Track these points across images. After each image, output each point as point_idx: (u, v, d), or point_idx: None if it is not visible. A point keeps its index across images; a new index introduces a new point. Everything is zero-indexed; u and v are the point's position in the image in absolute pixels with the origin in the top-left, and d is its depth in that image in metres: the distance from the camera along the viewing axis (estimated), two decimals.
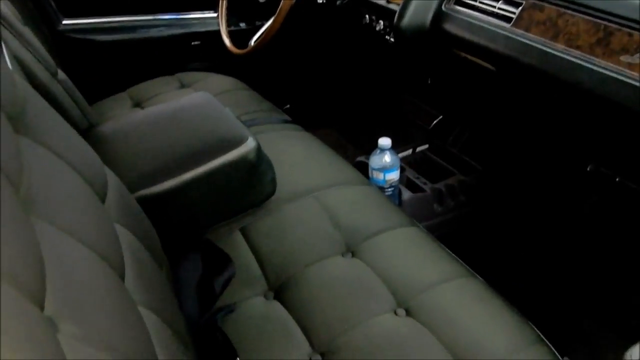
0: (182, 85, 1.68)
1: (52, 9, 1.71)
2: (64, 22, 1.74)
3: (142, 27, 1.85)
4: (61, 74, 1.16)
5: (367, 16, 1.53)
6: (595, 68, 0.95)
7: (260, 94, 1.70)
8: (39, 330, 0.37)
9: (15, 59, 1.01)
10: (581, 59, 0.97)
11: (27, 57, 1.04)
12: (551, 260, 1.38)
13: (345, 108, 2.17)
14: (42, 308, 0.41)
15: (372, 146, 1.45)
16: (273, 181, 1.09)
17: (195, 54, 1.95)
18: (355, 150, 2.07)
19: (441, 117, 1.77)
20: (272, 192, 1.09)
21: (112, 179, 0.81)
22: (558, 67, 1.01)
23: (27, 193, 0.52)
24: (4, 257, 0.39)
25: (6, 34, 1.00)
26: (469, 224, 1.49)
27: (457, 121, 1.71)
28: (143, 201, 0.91)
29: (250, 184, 1.05)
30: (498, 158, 1.54)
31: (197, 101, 1.15)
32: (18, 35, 1.04)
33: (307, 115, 2.19)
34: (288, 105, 2.21)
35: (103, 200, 0.73)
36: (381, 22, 1.48)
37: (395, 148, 1.64)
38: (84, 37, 1.76)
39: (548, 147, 1.36)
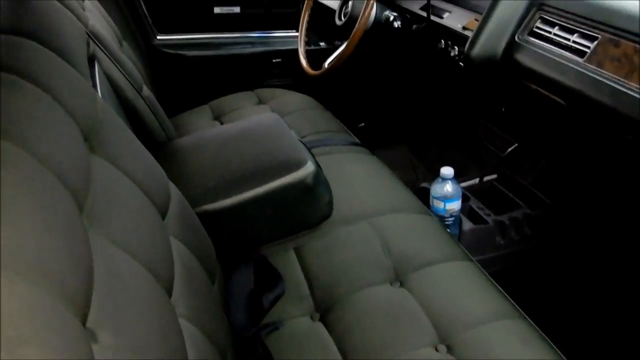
0: (260, 101, 1.76)
1: (149, 26, 1.86)
2: (159, 37, 1.89)
3: (228, 44, 1.97)
4: (146, 91, 1.26)
5: (442, 41, 1.53)
6: None
7: (335, 111, 1.75)
8: (77, 341, 0.43)
9: (106, 75, 1.12)
10: None
11: (116, 74, 1.15)
12: (616, 310, 1.30)
13: (419, 128, 2.17)
14: (84, 321, 0.46)
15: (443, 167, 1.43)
16: (330, 204, 1.12)
17: (275, 70, 2.03)
18: (425, 171, 2.06)
19: (516, 145, 1.72)
20: (328, 215, 1.13)
21: (175, 194, 0.88)
22: (631, 106, 0.97)
23: (90, 210, 0.59)
24: (58, 273, 0.45)
25: (100, 53, 1.11)
26: (532, 260, 1.44)
27: (533, 151, 1.66)
28: (204, 215, 0.98)
29: (307, 206, 1.09)
30: (569, 193, 1.47)
31: (265, 122, 1.21)
32: (110, 54, 1.15)
33: (380, 133, 2.21)
34: (363, 124, 2.24)
35: (164, 216, 0.80)
36: (456, 47, 1.47)
37: (462, 175, 1.63)
38: (174, 52, 1.90)
39: (622, 186, 1.29)
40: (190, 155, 1.14)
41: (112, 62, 1.13)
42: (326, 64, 1.59)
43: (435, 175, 1.52)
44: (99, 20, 1.28)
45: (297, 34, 1.92)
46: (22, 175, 0.50)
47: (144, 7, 1.81)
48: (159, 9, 1.85)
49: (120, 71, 1.15)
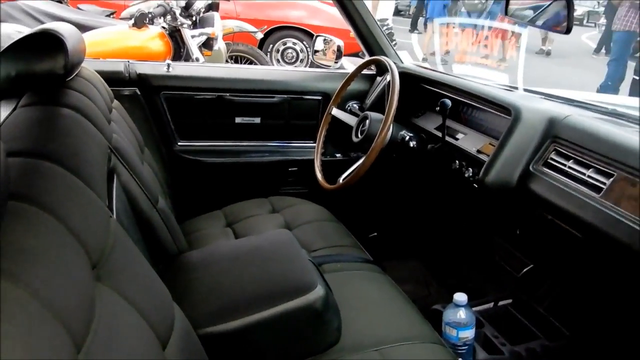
0: (274, 210, 1.77)
1: (171, 132, 1.92)
2: (180, 143, 1.94)
3: (246, 151, 2.01)
4: (161, 202, 1.28)
5: (457, 162, 1.55)
6: None
7: (348, 221, 1.74)
8: None
9: (123, 189, 1.13)
10: None
11: (134, 186, 1.17)
12: None
13: (432, 243, 2.15)
14: None
15: (457, 283, 1.37)
16: (338, 329, 1.08)
17: (290, 178, 2.06)
18: (438, 287, 2.01)
19: (532, 266, 1.69)
20: (336, 342, 1.08)
21: (179, 320, 0.85)
22: None
23: (89, 349, 0.57)
24: None
25: (120, 167, 1.13)
26: None
27: (549, 275, 1.62)
28: (207, 338, 0.95)
29: (315, 332, 1.05)
30: (588, 324, 1.41)
31: (277, 239, 1.21)
32: (130, 168, 1.17)
33: (392, 246, 2.19)
34: (375, 234, 2.23)
35: (165, 345, 0.77)
36: (470, 169, 1.49)
37: (476, 294, 1.58)
38: (194, 158, 1.94)
39: None
40: (198, 273, 1.12)
41: (132, 175, 1.15)
42: (341, 180, 1.61)
43: (448, 291, 1.48)
44: (124, 129, 1.32)
45: (314, 144, 1.96)
46: (22, 320, 0.49)
47: (168, 115, 1.88)
48: (183, 118, 1.92)
49: (139, 185, 1.17)
